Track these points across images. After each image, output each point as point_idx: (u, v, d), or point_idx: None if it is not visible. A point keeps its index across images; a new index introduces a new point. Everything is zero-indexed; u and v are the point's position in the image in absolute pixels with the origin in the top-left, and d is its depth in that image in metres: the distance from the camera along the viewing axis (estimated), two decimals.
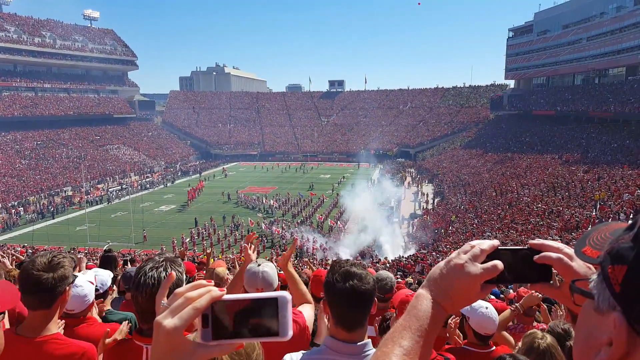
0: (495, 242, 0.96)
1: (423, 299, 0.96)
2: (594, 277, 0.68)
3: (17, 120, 67.38)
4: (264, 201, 46.55)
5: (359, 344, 1.72)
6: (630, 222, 0.67)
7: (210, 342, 0.81)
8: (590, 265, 0.91)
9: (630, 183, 31.46)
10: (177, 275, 1.80)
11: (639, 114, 46.62)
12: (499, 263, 0.92)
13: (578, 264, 0.93)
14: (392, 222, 39.81)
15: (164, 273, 1.81)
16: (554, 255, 0.94)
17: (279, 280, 2.72)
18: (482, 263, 0.94)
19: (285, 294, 0.83)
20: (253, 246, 2.95)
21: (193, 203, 48.28)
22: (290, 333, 0.82)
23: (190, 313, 0.79)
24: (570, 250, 0.95)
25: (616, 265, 0.61)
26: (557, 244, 0.97)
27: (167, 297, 0.87)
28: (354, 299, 1.70)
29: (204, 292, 0.82)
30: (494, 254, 0.94)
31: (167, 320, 0.79)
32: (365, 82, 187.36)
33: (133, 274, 4.46)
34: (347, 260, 1.98)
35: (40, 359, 2.03)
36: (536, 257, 0.95)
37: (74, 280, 2.24)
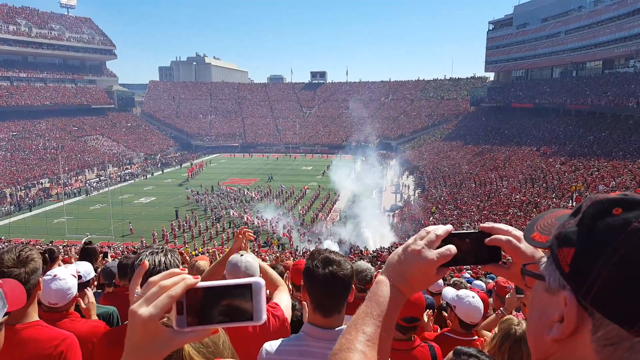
0: (449, 227, 1.01)
1: (382, 285, 1.00)
2: (544, 260, 0.72)
3: None
4: (245, 193, 46.44)
5: (336, 329, 1.77)
6: (574, 208, 0.71)
7: (185, 329, 0.82)
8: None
9: (606, 175, 32.20)
10: (175, 263, 1.85)
11: (614, 107, 47.62)
12: (452, 247, 0.97)
13: (525, 246, 0.98)
14: (373, 214, 40.07)
15: (164, 258, 1.84)
16: (503, 238, 1.00)
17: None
18: (437, 247, 0.98)
19: (259, 279, 0.84)
20: (244, 240, 2.93)
21: (179, 192, 47.96)
22: (265, 317, 0.84)
23: (165, 301, 0.80)
24: (518, 233, 1.00)
25: (564, 247, 0.65)
26: (507, 227, 1.02)
27: (141, 286, 0.87)
28: (332, 284, 1.76)
29: (178, 280, 0.83)
30: (447, 238, 1.00)
31: (142, 309, 0.80)
32: (347, 74, 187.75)
33: (113, 269, 4.46)
34: (326, 248, 2.03)
35: (22, 344, 2.04)
36: (487, 240, 1.00)
37: (45, 270, 2.23)
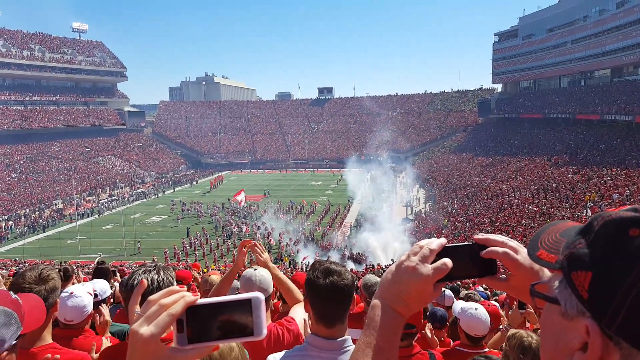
0: (443, 241, 0.96)
1: (378, 310, 0.95)
2: (557, 283, 0.67)
3: (7, 134, 67.02)
4: (255, 209, 46.53)
5: (339, 339, 1.78)
6: (583, 224, 0.67)
7: (186, 347, 0.81)
8: None
9: (619, 183, 31.83)
10: (168, 281, 1.86)
11: (625, 115, 47.22)
12: (448, 261, 0.92)
13: (523, 257, 0.94)
14: (384, 227, 39.88)
15: (157, 276, 1.85)
16: (499, 249, 0.94)
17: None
18: (432, 262, 0.94)
19: (259, 294, 0.84)
20: (245, 250, 2.93)
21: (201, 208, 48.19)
22: (265, 332, 0.83)
23: (165, 320, 0.79)
24: (513, 244, 0.96)
25: (579, 271, 0.61)
26: (502, 238, 0.97)
27: (140, 305, 0.87)
28: (333, 294, 1.77)
29: (178, 298, 0.82)
30: (441, 252, 0.95)
31: (143, 329, 0.79)
32: (354, 89, 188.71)
33: None
34: (327, 259, 2.06)
35: None
36: (483, 252, 0.95)
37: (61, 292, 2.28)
